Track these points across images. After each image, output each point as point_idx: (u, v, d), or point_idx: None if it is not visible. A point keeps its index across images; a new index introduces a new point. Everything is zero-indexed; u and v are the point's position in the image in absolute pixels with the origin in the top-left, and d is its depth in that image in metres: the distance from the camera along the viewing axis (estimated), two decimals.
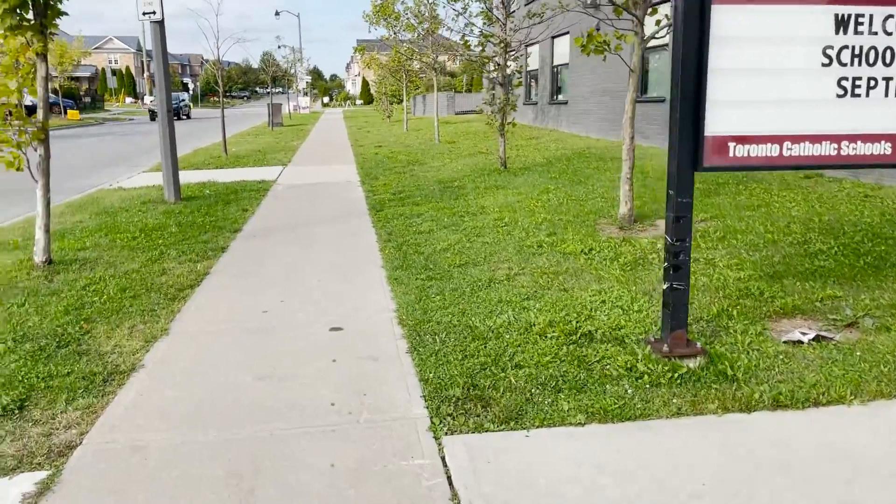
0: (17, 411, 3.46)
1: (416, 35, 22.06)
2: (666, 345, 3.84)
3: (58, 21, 6.03)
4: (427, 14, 20.51)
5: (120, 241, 7.41)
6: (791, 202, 8.16)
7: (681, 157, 3.65)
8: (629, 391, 3.53)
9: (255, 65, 43.06)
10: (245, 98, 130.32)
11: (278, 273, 6.17)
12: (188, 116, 52.02)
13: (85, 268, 6.24)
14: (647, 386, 3.57)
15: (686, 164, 3.65)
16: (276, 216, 9.17)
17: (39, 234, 6.12)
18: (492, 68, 12.50)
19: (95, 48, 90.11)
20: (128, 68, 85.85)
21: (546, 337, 4.27)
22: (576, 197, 9.29)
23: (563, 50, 23.65)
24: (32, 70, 5.96)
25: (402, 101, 37.05)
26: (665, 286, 3.83)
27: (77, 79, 75.62)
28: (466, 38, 12.33)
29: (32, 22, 5.77)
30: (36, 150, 6.06)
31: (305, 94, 62.42)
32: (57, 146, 25.12)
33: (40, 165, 6.10)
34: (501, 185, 10.74)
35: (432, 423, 3.27)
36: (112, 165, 17.55)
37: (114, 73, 75.91)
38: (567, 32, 22.10)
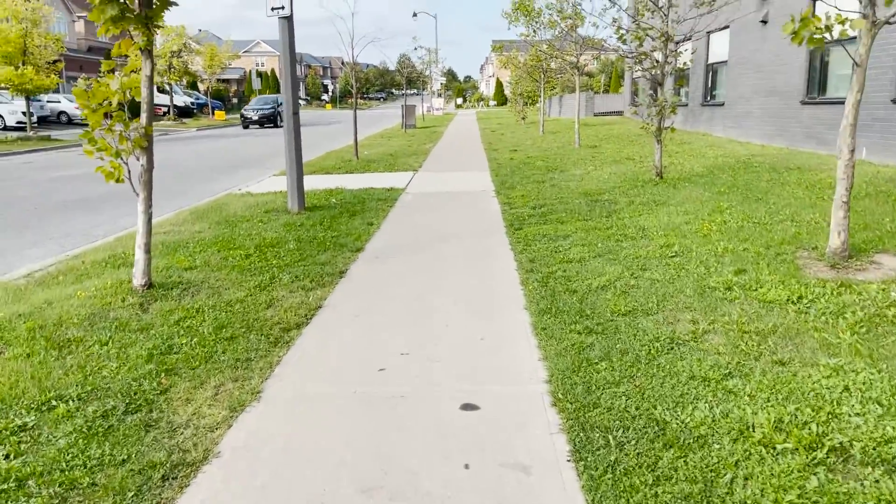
0: None
1: (556, 32, 20.73)
2: None
3: (166, 13, 5.30)
4: (570, 10, 19.11)
5: (232, 259, 6.68)
6: None
7: None
8: None
9: (392, 67, 43.51)
10: (381, 99, 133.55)
11: (401, 310, 5.13)
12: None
13: (186, 294, 5.49)
14: None
15: None
16: (403, 232, 8.21)
17: (139, 255, 5.43)
18: (648, 65, 10.98)
19: (244, 52, 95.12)
20: (273, 70, 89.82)
21: (775, 451, 2.91)
22: (757, 219, 7.66)
23: (719, 47, 21.44)
24: (140, 68, 5.26)
25: (536, 102, 35.71)
26: None
27: (227, 81, 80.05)
28: (622, 30, 10.87)
29: (136, 13, 5.05)
30: (138, 159, 5.37)
31: (439, 95, 62.36)
32: (200, 146, 25.74)
33: (142, 177, 5.40)
34: (660, 201, 9.24)
35: None
36: (247, 167, 17.48)
37: (259, 74, 79.64)
38: (727, 27, 19.95)
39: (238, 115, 50.44)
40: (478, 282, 5.88)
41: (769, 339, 4.17)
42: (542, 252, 6.71)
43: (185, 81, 57.04)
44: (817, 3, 15.04)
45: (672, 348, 4.11)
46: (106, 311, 5.08)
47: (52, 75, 25.76)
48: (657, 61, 10.94)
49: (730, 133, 20.29)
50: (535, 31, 21.70)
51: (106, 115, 5.12)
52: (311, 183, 12.50)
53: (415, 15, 58.65)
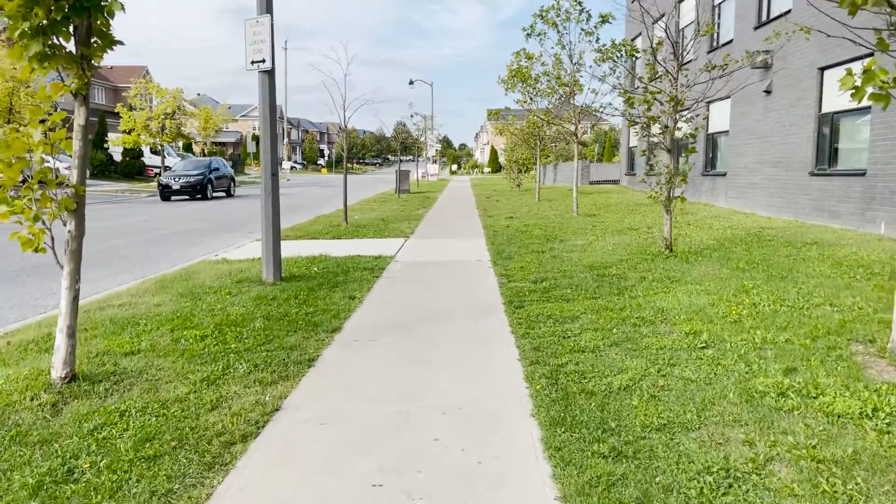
0: None
1: (553, 100, 20.33)
2: None
3: (109, 52, 4.47)
4: (568, 77, 18.71)
5: (185, 341, 5.69)
6: None
7: None
8: None
9: (389, 133, 43.61)
10: (377, 165, 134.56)
11: (378, 417, 4.12)
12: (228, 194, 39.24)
13: (115, 390, 4.47)
14: None
15: None
16: (389, 308, 7.25)
17: (60, 340, 4.44)
18: (656, 131, 10.27)
19: (241, 115, 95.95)
20: None
21: None
22: (790, 302, 6.75)
23: (720, 117, 21.03)
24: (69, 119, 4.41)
25: (530, 169, 35.34)
26: None
27: (223, 144, 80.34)
28: (628, 93, 10.21)
29: (67, 51, 4.22)
30: (65, 224, 4.45)
31: (434, 161, 62.39)
32: (187, 207, 24.92)
33: (68, 245, 4.46)
34: (675, 277, 8.34)
35: None
36: (231, 230, 16.61)
37: (254, 138, 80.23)
38: (727, 97, 19.53)
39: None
40: (474, 377, 4.89)
41: (855, 475, 3.18)
42: (549, 338, 5.75)
43: (180, 144, 56.94)
44: (826, 72, 14.57)
45: (730, 486, 3.11)
46: (8, 412, 4.06)
47: None
48: (666, 126, 10.24)
49: (733, 204, 19.64)
50: (531, 99, 21.31)
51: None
52: (294, 249, 11.60)
53: (411, 83, 59.20)
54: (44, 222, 4.33)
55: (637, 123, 10.26)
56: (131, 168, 42.70)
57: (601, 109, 18.49)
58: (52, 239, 4.41)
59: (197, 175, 29.40)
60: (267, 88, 8.31)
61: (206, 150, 51.21)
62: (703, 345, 5.38)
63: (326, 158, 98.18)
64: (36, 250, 4.29)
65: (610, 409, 4.09)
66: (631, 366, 4.89)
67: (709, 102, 21.08)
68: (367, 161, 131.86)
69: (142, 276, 9.86)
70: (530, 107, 21.27)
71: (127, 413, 4.04)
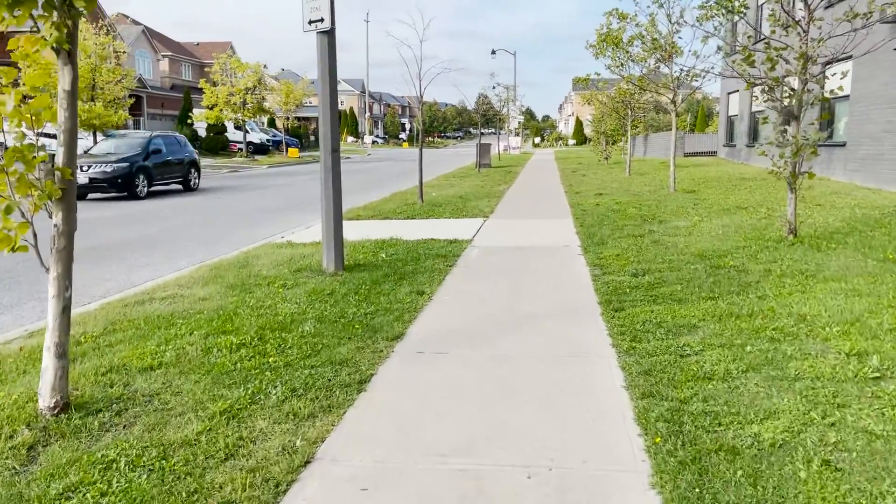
0: None
1: (646, 66, 18.58)
2: None
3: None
4: (666, 40, 16.95)
5: (218, 350, 4.78)
6: None
7: None
8: None
9: (471, 106, 42.19)
10: (459, 138, 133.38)
11: (437, 483, 3.05)
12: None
13: (113, 426, 3.58)
14: None
15: None
16: (462, 308, 6.16)
17: (47, 360, 3.58)
18: (780, 94, 8.66)
19: None
20: (351, 109, 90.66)
21: None
22: None
23: (837, 80, 18.70)
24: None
25: (618, 141, 33.39)
26: None
27: (307, 119, 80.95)
28: (749, 51, 8.63)
29: None
30: (51, 215, 3.55)
31: (517, 133, 60.69)
32: (264, 183, 24.52)
33: (55, 242, 3.57)
34: (809, 271, 6.88)
35: None
36: (301, 210, 15.89)
37: None
38: (849, 56, 17.28)
39: (311, 154, 50.01)
40: (567, 414, 3.74)
41: None
42: (661, 355, 4.53)
43: (264, 120, 57.46)
44: None
45: None
46: None
47: (121, 111, 25.27)
48: (792, 90, 8.64)
49: (853, 178, 17.46)
50: (622, 64, 19.61)
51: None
52: (363, 231, 10.67)
53: (493, 53, 57.51)
54: (23, 214, 3.44)
55: (757, 85, 8.69)
56: (215, 144, 43.15)
57: (702, 74, 16.69)
58: (35, 235, 3.52)
59: (124, 163, 18.76)
60: (326, 52, 7.29)
61: (288, 126, 51.35)
62: (877, 373, 4.03)
63: (408, 132, 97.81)
64: (14, 249, 3.41)
65: (766, 483, 2.87)
66: (782, 406, 3.63)
67: (824, 64, 18.83)
68: (448, 135, 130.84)
69: (201, 261, 9.16)
70: (621, 73, 19.62)
71: (114, 465, 3.12)
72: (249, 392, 4.01)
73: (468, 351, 4.89)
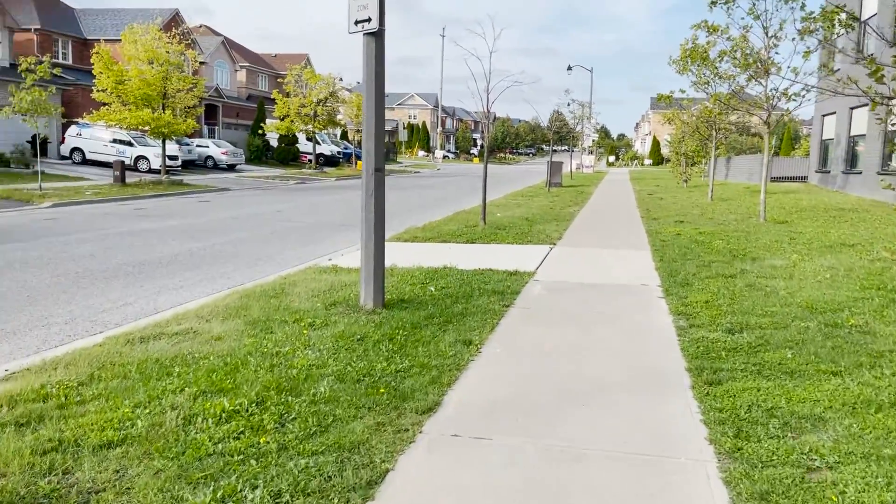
0: None
1: (735, 84, 17.04)
2: None
3: None
4: (760, 56, 15.42)
5: (203, 420, 3.83)
6: None
7: None
8: None
9: (544, 123, 41.04)
10: (531, 155, 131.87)
11: None
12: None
13: None
14: None
15: None
16: (514, 368, 5.05)
17: None
18: None
19: (398, 104, 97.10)
20: (424, 123, 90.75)
21: None
22: None
23: None
24: None
25: (698, 163, 31.52)
26: None
27: None
28: (875, 62, 7.24)
29: None
30: None
31: (591, 152, 58.99)
32: (329, 196, 23.94)
33: None
34: None
35: None
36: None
37: (405, 126, 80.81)
38: None
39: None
40: None
41: None
42: (780, 468, 3.32)
43: (338, 132, 57.67)
44: None
45: None
46: None
47: (190, 119, 25.22)
48: None
49: None
50: (708, 82, 18.13)
51: None
52: (416, 256, 9.68)
53: (570, 69, 56.14)
54: None
55: (885, 105, 7.28)
56: (286, 154, 43.30)
57: (802, 93, 15.08)
58: None
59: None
60: (373, 56, 6.34)
61: (358, 140, 51.27)
62: None
63: (479, 148, 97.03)
64: None
65: None
66: None
67: None
68: (519, 151, 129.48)
69: (240, 283, 8.38)
70: (707, 91, 18.15)
71: None
72: (219, 496, 3.01)
73: (517, 438, 3.78)
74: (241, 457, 3.40)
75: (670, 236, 12.52)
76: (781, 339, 5.54)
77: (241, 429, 3.72)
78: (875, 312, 6.36)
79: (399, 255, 9.91)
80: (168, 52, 23.70)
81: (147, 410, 3.95)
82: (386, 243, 11.72)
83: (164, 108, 24.47)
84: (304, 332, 5.72)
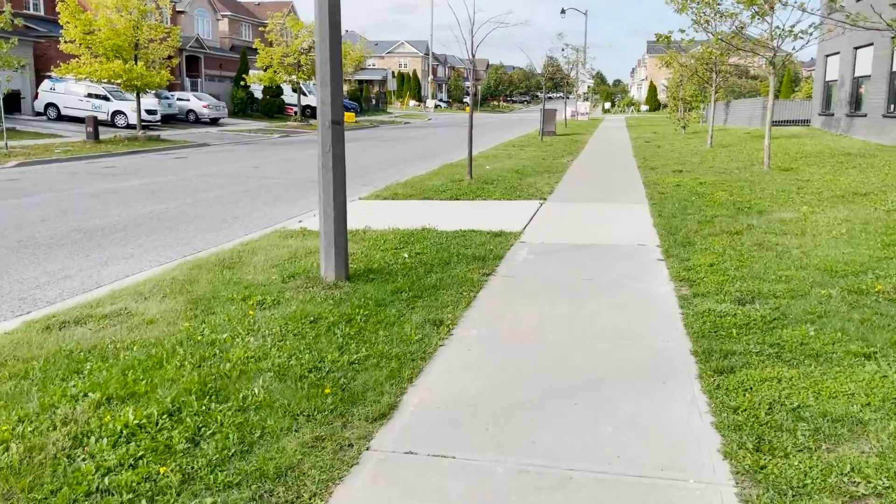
0: None
1: (737, 22, 15.94)
2: None
3: None
4: None
5: (96, 441, 3.09)
6: None
7: None
8: None
9: (539, 70, 39.35)
10: (526, 102, 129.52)
11: None
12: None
13: None
14: None
15: None
16: (490, 356, 4.31)
17: None
18: None
19: (388, 52, 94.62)
20: (415, 72, 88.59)
21: None
22: None
23: None
24: None
25: (696, 108, 30.42)
26: None
27: (370, 81, 79.23)
28: None
29: None
30: None
31: (586, 99, 57.55)
32: (312, 150, 23.09)
33: None
34: None
35: None
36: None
37: (394, 75, 78.76)
38: None
39: (369, 119, 48.35)
40: None
41: None
42: (816, 497, 2.60)
43: None
44: None
45: None
46: None
47: (164, 71, 24.00)
48: None
49: None
50: (708, 21, 17.04)
51: None
52: (392, 216, 8.88)
53: (563, 12, 54.32)
54: None
55: None
56: (271, 107, 41.94)
57: (809, 31, 14.10)
58: None
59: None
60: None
61: (348, 90, 49.82)
62: None
63: (472, 96, 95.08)
64: None
65: None
66: None
67: None
68: (514, 99, 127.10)
69: (196, 251, 7.61)
70: (708, 30, 17.07)
71: None
72: None
73: (486, 454, 3.05)
74: (130, 497, 2.67)
75: (669, 188, 11.70)
76: (800, 311, 4.80)
77: (142, 452, 2.99)
78: None
79: (375, 216, 9.12)
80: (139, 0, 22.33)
81: (32, 427, 3.21)
82: (362, 202, 10.99)
83: (136, 60, 23.21)
84: (251, 312, 4.96)
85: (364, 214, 9.47)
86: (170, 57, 25.00)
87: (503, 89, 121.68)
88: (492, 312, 5.11)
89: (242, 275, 6.13)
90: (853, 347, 4.08)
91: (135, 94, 24.52)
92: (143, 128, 25.51)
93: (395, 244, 7.35)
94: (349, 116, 42.75)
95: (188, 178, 14.93)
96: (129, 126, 28.49)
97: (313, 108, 45.09)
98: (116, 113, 29.46)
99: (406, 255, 6.80)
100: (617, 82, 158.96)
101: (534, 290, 5.70)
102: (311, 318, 4.81)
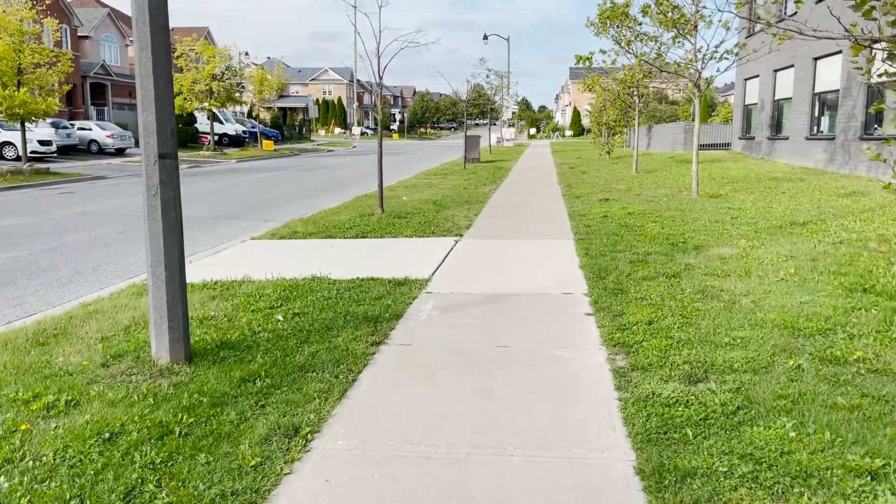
0: None
1: (659, 44, 15.34)
2: None
3: None
4: (691, 9, 13.77)
5: None
6: None
7: None
8: None
9: (463, 97, 38.63)
10: (452, 129, 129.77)
11: None
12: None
13: None
14: None
15: None
16: (351, 497, 3.02)
17: None
18: None
19: (311, 80, 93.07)
20: (340, 99, 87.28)
21: None
22: None
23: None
24: None
25: (620, 132, 30.19)
26: None
27: (294, 109, 77.36)
28: (871, 1, 5.48)
29: None
30: None
31: (511, 125, 57.39)
32: (222, 182, 21.11)
33: None
34: None
35: None
36: (238, 218, 12.74)
37: (317, 102, 77.33)
38: None
39: (290, 147, 46.71)
40: None
41: None
42: None
43: (247, 110, 54.00)
44: None
45: None
46: None
47: (51, 99, 21.92)
48: None
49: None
50: (629, 42, 16.45)
51: None
52: (284, 261, 7.52)
53: (485, 37, 54.14)
54: None
55: (872, 47, 5.55)
56: (184, 136, 39.80)
57: (734, 51, 13.58)
58: None
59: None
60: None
61: (269, 116, 48.03)
62: None
63: (398, 123, 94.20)
64: None
65: None
66: None
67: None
68: (441, 126, 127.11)
69: (30, 313, 6.10)
70: (630, 52, 16.47)
71: None
72: None
73: None
74: None
75: (596, 219, 10.73)
76: (769, 394, 3.70)
77: None
78: (880, 334, 4.62)
79: (262, 261, 7.78)
80: (21, 21, 20.30)
81: None
82: (254, 242, 9.52)
83: (19, 86, 21.10)
84: (23, 427, 3.51)
85: (249, 259, 8.09)
86: (61, 83, 22.91)
87: (430, 116, 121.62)
88: (372, 408, 3.82)
89: (53, 356, 4.66)
90: (852, 460, 2.97)
91: (20, 124, 22.32)
92: (33, 160, 23.29)
93: (272, 301, 5.99)
94: (268, 145, 41.02)
95: (62, 218, 13.11)
96: (18, 158, 26.10)
97: (231, 137, 43.21)
98: (4, 144, 27.01)
99: (280, 318, 5.45)
100: (542, 108, 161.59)
101: (433, 368, 4.44)
102: (109, 432, 3.41)
